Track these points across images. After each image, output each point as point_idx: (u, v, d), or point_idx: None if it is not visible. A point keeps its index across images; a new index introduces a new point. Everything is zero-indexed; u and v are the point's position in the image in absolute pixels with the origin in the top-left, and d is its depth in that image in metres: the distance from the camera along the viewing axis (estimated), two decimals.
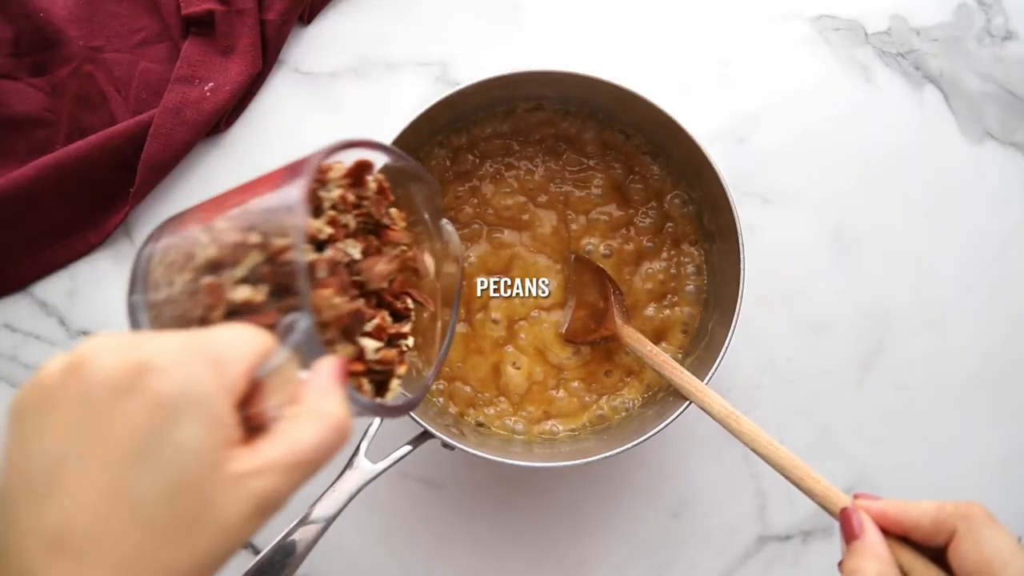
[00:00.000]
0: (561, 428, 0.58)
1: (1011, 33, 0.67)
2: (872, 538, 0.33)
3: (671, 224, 0.60)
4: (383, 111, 0.65)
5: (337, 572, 0.61)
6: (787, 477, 0.41)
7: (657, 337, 0.59)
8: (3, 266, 0.62)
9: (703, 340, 0.57)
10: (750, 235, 0.63)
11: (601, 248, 0.59)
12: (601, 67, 0.53)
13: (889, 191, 0.65)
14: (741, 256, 0.52)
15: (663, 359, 0.53)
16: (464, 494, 0.62)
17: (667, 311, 0.59)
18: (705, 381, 0.51)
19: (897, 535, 0.34)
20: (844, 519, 0.35)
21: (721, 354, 0.51)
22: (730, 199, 0.52)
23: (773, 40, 0.67)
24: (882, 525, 0.34)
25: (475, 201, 0.59)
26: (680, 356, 0.58)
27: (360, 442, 0.50)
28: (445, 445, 0.51)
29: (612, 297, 0.58)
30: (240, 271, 0.30)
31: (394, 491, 0.61)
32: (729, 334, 0.52)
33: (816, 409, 0.63)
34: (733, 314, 0.52)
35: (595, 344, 0.58)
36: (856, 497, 0.36)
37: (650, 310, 0.59)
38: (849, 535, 0.34)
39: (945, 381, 0.64)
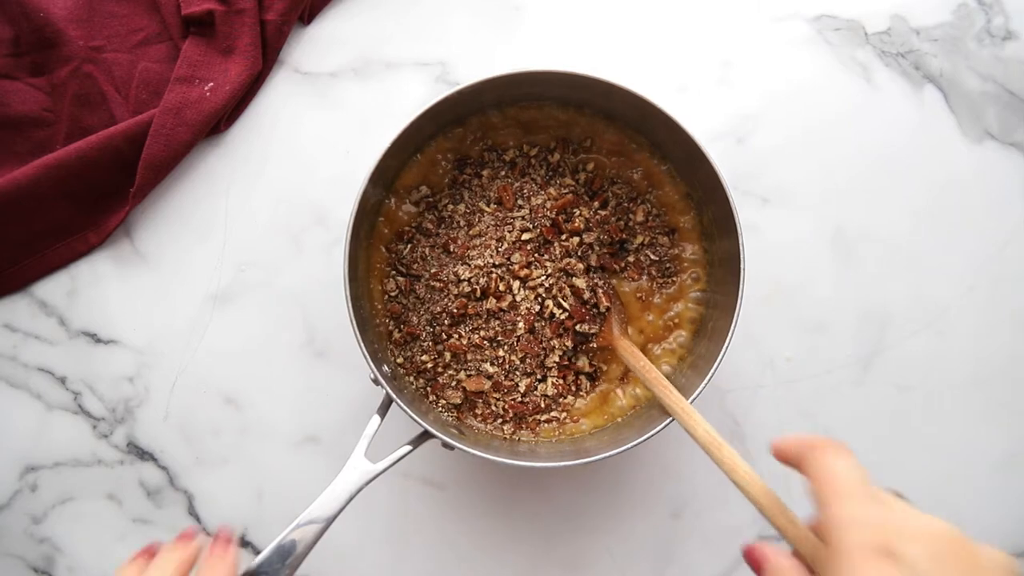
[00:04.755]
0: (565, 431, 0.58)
1: (1011, 33, 0.67)
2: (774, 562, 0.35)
3: (673, 227, 0.60)
4: (383, 111, 0.65)
5: (337, 572, 0.61)
6: (761, 512, 0.41)
7: (659, 338, 0.59)
8: (3, 266, 0.62)
9: (703, 340, 0.57)
10: (750, 235, 0.63)
11: (596, 251, 0.59)
12: (601, 67, 0.53)
13: (889, 191, 0.65)
14: (741, 256, 0.52)
15: (655, 376, 0.53)
16: (464, 494, 0.62)
17: (677, 305, 0.59)
18: (706, 380, 0.51)
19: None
20: (747, 557, 0.37)
21: (721, 354, 0.51)
22: (730, 199, 0.52)
23: (773, 40, 0.67)
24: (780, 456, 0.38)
25: (473, 201, 0.60)
26: (682, 355, 0.58)
27: (359, 442, 0.50)
28: (445, 445, 0.51)
29: (612, 307, 0.58)
30: None
31: (394, 491, 0.61)
32: (729, 334, 0.52)
33: (816, 409, 0.63)
34: (733, 314, 0.52)
35: (591, 352, 0.59)
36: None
37: (653, 312, 0.59)
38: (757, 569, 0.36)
39: (945, 381, 0.64)
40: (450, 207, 0.60)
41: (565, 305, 0.57)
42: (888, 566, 0.28)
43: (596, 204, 0.60)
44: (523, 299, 0.57)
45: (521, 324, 0.57)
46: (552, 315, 0.57)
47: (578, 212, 0.59)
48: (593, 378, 0.59)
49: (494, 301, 0.56)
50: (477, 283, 0.57)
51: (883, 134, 0.66)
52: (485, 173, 0.60)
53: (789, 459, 0.37)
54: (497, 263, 0.57)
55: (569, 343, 0.58)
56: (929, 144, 0.66)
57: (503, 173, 0.60)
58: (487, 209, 0.59)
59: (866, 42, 0.67)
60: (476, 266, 0.57)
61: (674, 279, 0.60)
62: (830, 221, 0.65)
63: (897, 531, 0.29)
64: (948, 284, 0.65)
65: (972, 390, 0.64)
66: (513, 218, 0.58)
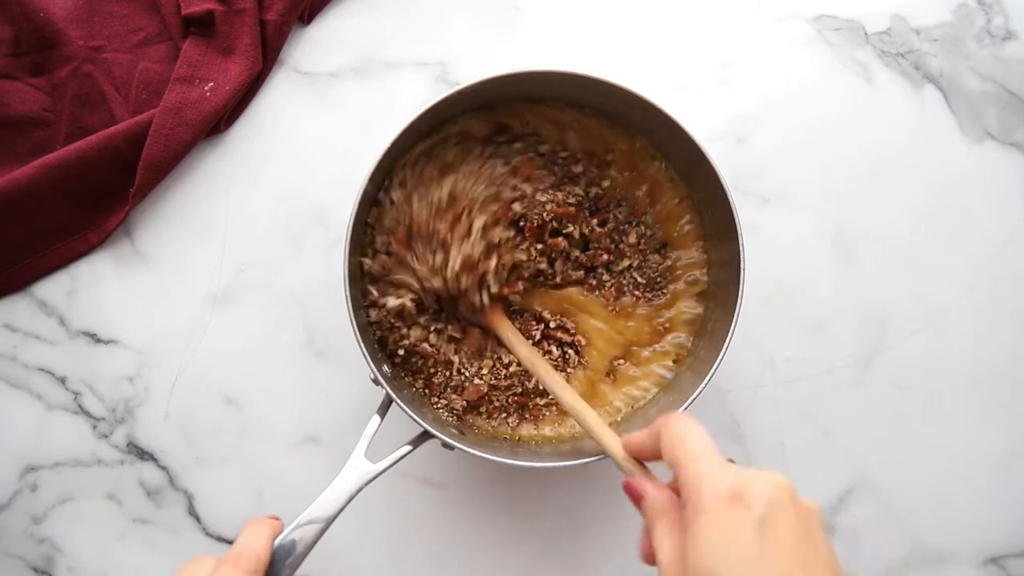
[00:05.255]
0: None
1: (1011, 33, 0.67)
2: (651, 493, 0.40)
3: (667, 226, 0.60)
4: (383, 111, 0.65)
5: (337, 572, 0.61)
6: (624, 471, 0.44)
7: (648, 342, 0.59)
8: (3, 266, 0.62)
9: (703, 340, 0.57)
10: (750, 235, 0.63)
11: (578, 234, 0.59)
12: (601, 67, 0.53)
13: (889, 191, 0.65)
14: (741, 256, 0.52)
15: (535, 358, 0.55)
16: (464, 494, 0.62)
17: (669, 311, 0.59)
18: (705, 381, 0.51)
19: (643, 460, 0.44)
20: (627, 490, 0.42)
21: (721, 354, 0.51)
22: (730, 199, 0.52)
23: (773, 40, 0.67)
24: (632, 455, 0.44)
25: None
26: (680, 356, 0.58)
27: (359, 442, 0.50)
28: (445, 445, 0.51)
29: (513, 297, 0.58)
30: None
31: (394, 491, 0.61)
32: (729, 334, 0.52)
33: (816, 409, 0.63)
34: (733, 314, 0.52)
35: (472, 325, 0.58)
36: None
37: (635, 320, 0.59)
38: (636, 500, 0.41)
39: (945, 381, 0.64)
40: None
41: (501, 270, 0.56)
42: (738, 509, 0.33)
43: (595, 221, 0.59)
44: (474, 242, 0.55)
45: (458, 260, 0.54)
46: (480, 261, 0.55)
47: (573, 227, 0.58)
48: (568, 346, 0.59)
49: (443, 228, 0.54)
50: (437, 201, 0.55)
51: (883, 134, 0.66)
52: (516, 146, 0.59)
53: (644, 451, 0.42)
54: (474, 195, 0.55)
55: (479, 299, 0.56)
56: (929, 144, 0.66)
57: (531, 154, 0.59)
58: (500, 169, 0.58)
59: (866, 42, 0.67)
60: (448, 192, 0.55)
61: (664, 291, 0.59)
62: (830, 221, 0.65)
63: (743, 480, 0.34)
64: (948, 284, 0.65)
65: (972, 390, 0.64)
66: (516, 186, 0.57)
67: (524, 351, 0.55)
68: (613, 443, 0.46)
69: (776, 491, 0.34)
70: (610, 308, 0.59)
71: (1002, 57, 0.66)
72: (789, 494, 0.34)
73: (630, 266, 0.59)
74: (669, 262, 0.60)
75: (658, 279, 0.59)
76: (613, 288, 0.59)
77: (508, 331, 0.57)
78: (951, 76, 0.66)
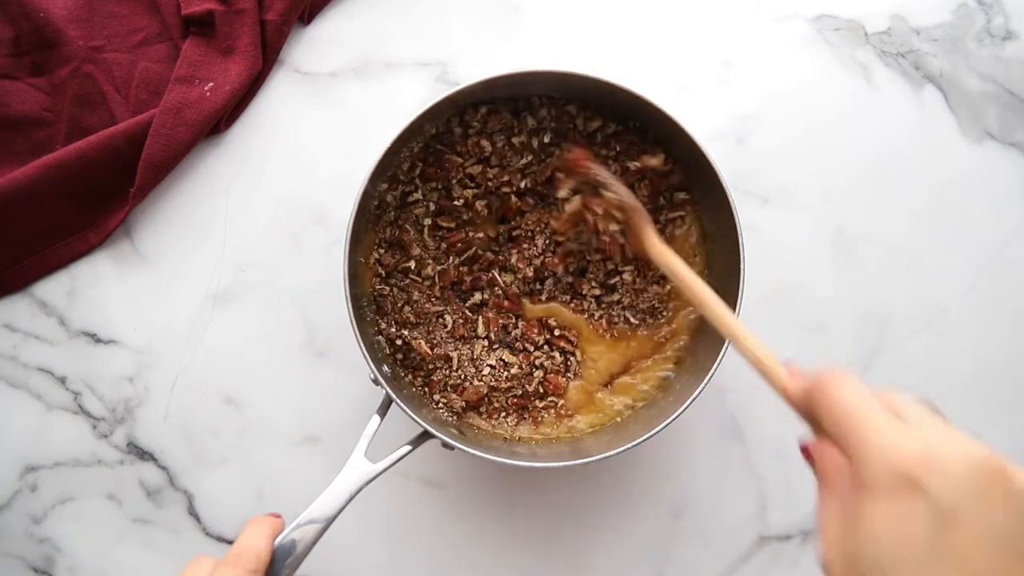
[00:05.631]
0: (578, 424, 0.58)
1: (1011, 33, 0.67)
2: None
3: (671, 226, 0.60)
4: (383, 111, 0.65)
5: (337, 572, 0.61)
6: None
7: (650, 354, 0.59)
8: (3, 266, 0.62)
9: (703, 340, 0.57)
10: (750, 235, 0.63)
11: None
12: (601, 67, 0.53)
13: (889, 191, 0.65)
14: (741, 256, 0.52)
15: (698, 284, 0.46)
16: (464, 494, 0.62)
17: (671, 325, 0.59)
18: (706, 380, 0.51)
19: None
20: (803, 453, 0.35)
21: (721, 354, 0.51)
22: (730, 199, 0.52)
23: (773, 40, 0.67)
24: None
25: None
26: (681, 357, 0.58)
27: (359, 442, 0.50)
28: (445, 445, 0.51)
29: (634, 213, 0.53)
30: None
31: (394, 491, 0.61)
32: None
33: None
34: (733, 314, 0.52)
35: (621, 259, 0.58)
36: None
37: (636, 340, 0.59)
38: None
39: (945, 381, 0.64)
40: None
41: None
42: (909, 499, 0.26)
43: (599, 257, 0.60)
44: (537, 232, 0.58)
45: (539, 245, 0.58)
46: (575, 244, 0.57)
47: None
48: (564, 352, 0.59)
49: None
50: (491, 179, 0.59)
51: (883, 134, 0.66)
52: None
53: (806, 407, 0.34)
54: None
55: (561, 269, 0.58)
56: (929, 144, 0.66)
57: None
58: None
59: (866, 42, 0.67)
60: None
61: (666, 311, 0.59)
62: (830, 221, 0.65)
63: (928, 455, 0.26)
64: (948, 284, 0.65)
65: (972, 390, 0.64)
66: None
67: (685, 269, 0.47)
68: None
69: (971, 475, 0.26)
70: (604, 335, 0.59)
71: (1002, 57, 0.66)
72: (992, 477, 0.27)
73: (619, 301, 0.59)
74: (670, 286, 0.59)
75: (657, 305, 0.59)
76: (604, 320, 0.59)
77: (669, 260, 0.49)
78: (951, 76, 0.66)
